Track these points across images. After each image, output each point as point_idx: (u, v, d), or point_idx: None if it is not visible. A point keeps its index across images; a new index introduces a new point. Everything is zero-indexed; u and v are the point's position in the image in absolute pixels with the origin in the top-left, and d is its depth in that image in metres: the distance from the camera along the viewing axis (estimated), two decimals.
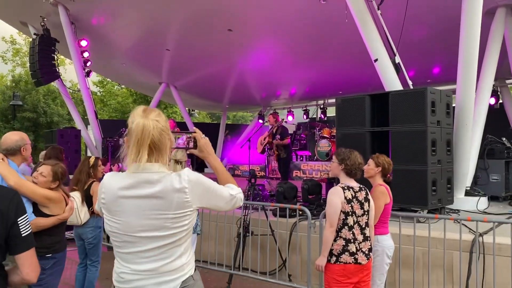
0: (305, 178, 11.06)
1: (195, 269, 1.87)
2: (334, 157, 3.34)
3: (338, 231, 3.18)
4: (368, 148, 5.92)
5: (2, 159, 3.13)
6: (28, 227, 1.77)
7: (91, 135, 13.86)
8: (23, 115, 23.37)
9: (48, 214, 3.31)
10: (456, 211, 6.18)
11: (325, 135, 12.53)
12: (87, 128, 14.32)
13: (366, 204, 3.25)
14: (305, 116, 18.11)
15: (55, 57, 12.61)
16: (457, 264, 4.28)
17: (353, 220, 3.18)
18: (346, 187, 3.22)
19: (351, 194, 3.19)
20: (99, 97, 29.78)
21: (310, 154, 13.99)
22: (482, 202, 6.49)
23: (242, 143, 10.44)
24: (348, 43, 9.91)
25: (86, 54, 12.91)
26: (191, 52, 12.85)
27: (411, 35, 8.06)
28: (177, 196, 1.73)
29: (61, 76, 13.11)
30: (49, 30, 12.23)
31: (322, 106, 17.68)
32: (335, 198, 3.17)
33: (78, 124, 13.61)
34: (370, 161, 3.76)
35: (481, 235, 4.43)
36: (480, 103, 7.25)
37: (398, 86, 6.55)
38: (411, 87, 6.78)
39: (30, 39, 13.04)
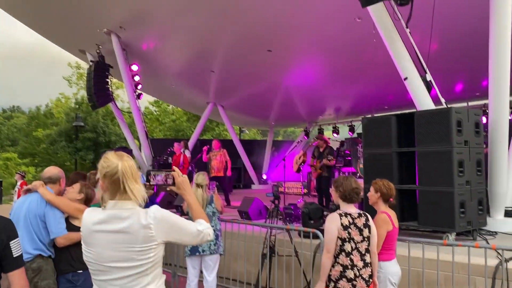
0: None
1: None
2: (333, 185, 3.42)
3: (336, 257, 3.23)
4: (395, 169, 5.86)
5: (42, 185, 3.66)
6: (19, 249, 2.06)
7: (143, 154, 14.58)
8: (85, 135, 25.02)
9: (79, 227, 3.67)
10: (494, 233, 5.91)
11: None
12: (140, 148, 15.08)
13: (365, 230, 3.27)
14: (350, 133, 17.90)
15: (109, 81, 13.52)
16: None
17: (351, 247, 3.21)
18: (343, 214, 3.27)
19: (349, 221, 3.24)
20: (155, 116, 31.18)
21: (354, 170, 13.80)
22: None
23: (278, 162, 10.56)
24: (389, 57, 9.82)
25: (137, 78, 13.71)
26: (235, 73, 13.29)
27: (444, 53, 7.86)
28: (143, 231, 1.95)
29: (119, 98, 14.05)
30: (103, 57, 13.15)
31: None
32: (331, 224, 3.23)
33: (131, 143, 14.40)
34: (371, 188, 3.77)
35: (507, 260, 4.25)
36: None
37: (430, 104, 6.42)
38: (444, 104, 6.62)
39: None
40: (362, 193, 3.41)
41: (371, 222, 3.34)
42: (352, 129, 17.92)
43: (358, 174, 12.50)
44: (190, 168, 11.83)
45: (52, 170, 3.87)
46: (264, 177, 17.76)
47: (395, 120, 5.94)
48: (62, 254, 3.59)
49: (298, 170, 9.49)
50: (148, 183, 2.03)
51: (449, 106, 5.46)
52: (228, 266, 6.14)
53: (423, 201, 5.50)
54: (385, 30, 6.74)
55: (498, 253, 4.41)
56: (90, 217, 2.04)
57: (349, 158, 14.58)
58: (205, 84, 15.10)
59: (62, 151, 25.14)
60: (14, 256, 2.03)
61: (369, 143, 6.19)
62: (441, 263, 4.40)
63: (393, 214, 3.69)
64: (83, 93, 28.14)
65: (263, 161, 18.91)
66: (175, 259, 6.32)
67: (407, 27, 6.82)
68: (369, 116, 6.40)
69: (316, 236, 5.63)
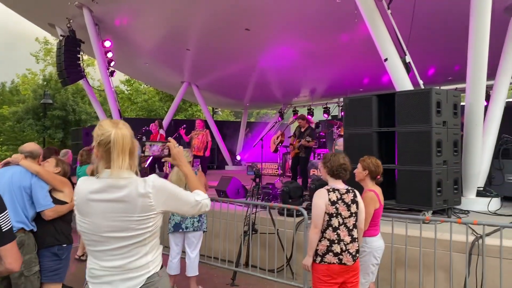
0: (322, 176, 11.05)
1: (161, 267, 2.02)
2: (321, 162, 3.43)
3: (323, 232, 3.25)
4: (375, 149, 5.93)
5: (24, 158, 3.62)
6: (8, 223, 1.96)
7: None
8: (53, 113, 24.18)
9: (62, 201, 3.67)
10: (466, 211, 6.11)
11: (342, 134, 12.47)
12: None
13: (353, 206, 3.30)
14: (325, 115, 18.04)
15: (81, 57, 13.05)
16: (456, 266, 4.27)
17: (338, 222, 3.24)
18: (331, 189, 3.29)
19: (336, 196, 3.26)
20: (126, 95, 30.48)
21: (328, 152, 13.96)
22: (495, 203, 6.38)
23: (255, 142, 10.57)
24: (367, 40, 9.87)
25: (109, 54, 13.30)
26: (211, 52, 13.05)
27: (424, 34, 7.95)
28: (141, 200, 1.89)
29: (89, 76, 13.59)
30: (74, 32, 12.65)
31: (342, 104, 17.56)
32: (319, 200, 3.25)
33: None
34: (358, 165, 3.80)
35: (481, 237, 4.40)
36: (495, 102, 7.09)
37: (409, 86, 6.52)
38: (422, 86, 6.72)
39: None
40: (350, 170, 3.41)
41: (359, 198, 3.37)
42: (327, 111, 18.04)
43: None
44: None
45: (32, 146, 3.84)
46: (238, 158, 17.75)
47: (376, 100, 6.00)
48: (47, 228, 3.55)
49: (276, 150, 9.52)
50: (143, 154, 1.96)
51: (428, 87, 5.54)
52: (209, 244, 6.14)
53: (401, 180, 5.61)
54: (367, 11, 6.75)
55: (473, 230, 4.56)
56: (85, 186, 1.96)
57: (324, 140, 14.74)
58: (180, 63, 14.82)
59: (29, 129, 24.25)
60: (3, 230, 1.93)
61: (350, 122, 6.24)
62: (416, 239, 4.51)
63: (379, 191, 3.74)
64: (51, 69, 27.11)
65: (236, 142, 18.88)
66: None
67: (388, 9, 6.85)
68: (351, 96, 6.42)
69: (298, 215, 5.69)
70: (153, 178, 1.95)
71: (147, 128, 12.27)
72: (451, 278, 4.29)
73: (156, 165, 11.71)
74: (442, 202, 5.44)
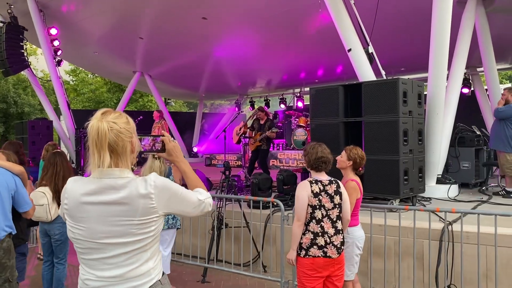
0: (281, 167, 11.09)
1: (162, 273, 1.83)
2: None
3: (307, 224, 3.18)
4: (342, 139, 5.96)
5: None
6: None
7: (64, 126, 13.53)
8: None
9: None
10: (428, 199, 6.29)
11: (301, 124, 12.56)
12: (59, 118, 13.96)
13: (337, 197, 3.24)
14: (282, 105, 18.10)
15: (24, 45, 12.21)
16: (427, 253, 4.36)
17: (322, 214, 3.17)
18: (314, 181, 3.21)
19: (319, 188, 3.19)
20: (72, 86, 29.08)
21: (286, 142, 14.03)
22: (453, 190, 6.63)
23: (218, 133, 10.36)
24: (323, 31, 9.93)
25: (56, 43, 12.56)
26: (166, 40, 12.63)
27: (384, 25, 8.07)
28: (142, 202, 1.68)
29: (31, 66, 12.72)
30: (16, 18, 11.80)
31: (298, 95, 17.69)
32: (302, 192, 3.17)
33: (50, 114, 13.26)
34: (343, 153, 3.74)
35: (450, 224, 4.53)
36: (451, 92, 7.34)
37: (372, 76, 6.60)
38: (384, 76, 6.82)
39: None
40: (331, 161, 3.34)
41: (342, 189, 3.31)
42: (284, 101, 18.10)
43: (292, 146, 12.72)
44: None
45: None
46: (195, 149, 17.45)
47: (342, 90, 6.00)
48: (16, 228, 3.35)
49: (239, 142, 9.37)
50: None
51: (395, 77, 5.61)
52: (177, 240, 5.92)
53: (369, 169, 5.65)
54: (331, 1, 6.73)
55: (440, 217, 4.69)
56: (76, 187, 1.72)
57: (281, 130, 14.79)
58: (132, 51, 14.25)
59: None
60: None
61: (317, 113, 6.22)
62: (390, 228, 4.57)
63: (359, 181, 3.71)
64: None
65: (191, 134, 18.52)
66: None
67: None
68: (317, 86, 6.40)
69: (267, 207, 5.62)
70: (154, 177, 1.74)
71: (141, 118, 11.61)
72: (423, 264, 4.39)
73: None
74: (408, 191, 5.55)
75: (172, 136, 2.11)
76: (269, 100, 18.37)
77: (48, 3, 11.56)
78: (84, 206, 1.69)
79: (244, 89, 18.29)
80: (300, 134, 12.35)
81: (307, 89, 17.29)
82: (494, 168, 8.05)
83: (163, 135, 1.98)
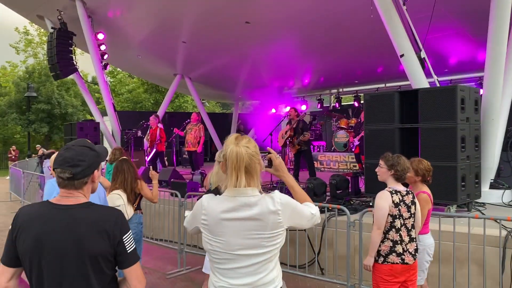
0: (322, 169, 11.16)
1: (282, 281, 2.04)
2: (382, 162, 3.45)
3: (386, 233, 3.32)
4: (397, 145, 6.02)
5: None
6: (132, 243, 1.93)
7: (108, 127, 14.03)
8: (38, 106, 23.52)
9: None
10: (482, 204, 6.29)
11: (342, 126, 12.61)
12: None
13: (412, 207, 3.38)
14: (319, 105, 18.13)
15: (73, 50, 12.74)
16: (491, 260, 4.40)
17: (400, 223, 3.31)
18: (394, 191, 3.34)
19: (399, 198, 3.32)
20: (110, 87, 29.86)
21: (325, 144, 14.10)
22: (507, 195, 6.59)
23: (258, 135, 10.56)
24: (363, 34, 9.98)
25: (103, 47, 13.05)
26: (207, 44, 12.91)
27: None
28: (272, 217, 1.91)
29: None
30: (66, 24, 12.34)
31: (336, 95, 17.69)
32: (383, 202, 3.30)
33: (97, 116, 13.76)
34: (410, 169, 3.81)
35: None
36: (504, 97, 7.26)
37: (425, 82, 6.62)
38: (436, 81, 6.84)
39: (42, 30, 13.14)
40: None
41: (416, 199, 3.45)
42: (321, 102, 18.13)
43: (332, 148, 12.78)
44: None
45: None
46: None
47: (398, 96, 6.06)
48: None
49: (285, 145, 9.55)
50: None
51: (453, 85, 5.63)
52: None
53: None
54: (384, 7, 6.79)
55: (503, 225, 4.71)
56: (214, 205, 1.96)
57: (319, 132, 14.86)
58: (174, 55, 14.62)
59: (13, 124, 23.53)
60: (128, 251, 1.89)
61: (371, 119, 6.30)
62: (448, 234, 4.60)
63: (430, 192, 3.82)
64: (32, 61, 26.31)
65: (226, 134, 18.73)
66: (182, 237, 6.23)
67: (404, 4, 6.92)
68: (372, 93, 6.47)
69: (322, 211, 5.75)
70: (279, 195, 1.96)
71: (146, 123, 12.11)
72: (485, 271, 4.43)
73: (159, 159, 11.56)
74: (466, 196, 5.58)
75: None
76: (307, 101, 18.39)
77: (96, 10, 12.03)
78: (223, 222, 1.92)
79: (280, 90, 18.41)
80: (341, 136, 12.41)
81: (345, 89, 17.33)
82: None
83: (270, 152, 2.19)
